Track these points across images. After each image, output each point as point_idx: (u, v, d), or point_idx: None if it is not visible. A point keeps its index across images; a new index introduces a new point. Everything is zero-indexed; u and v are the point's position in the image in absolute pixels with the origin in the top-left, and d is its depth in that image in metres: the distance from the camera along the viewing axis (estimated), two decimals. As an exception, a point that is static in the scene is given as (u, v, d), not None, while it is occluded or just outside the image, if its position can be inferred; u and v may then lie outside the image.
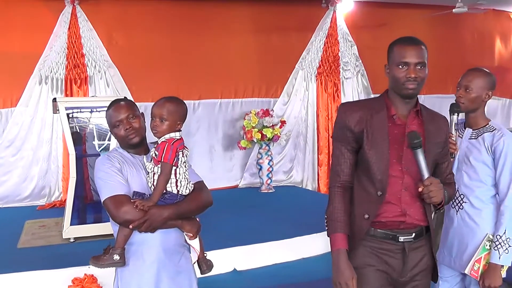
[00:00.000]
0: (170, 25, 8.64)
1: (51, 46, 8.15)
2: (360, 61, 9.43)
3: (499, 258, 3.03)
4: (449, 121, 3.04)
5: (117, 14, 8.44)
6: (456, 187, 3.10)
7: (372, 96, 9.30)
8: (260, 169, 8.67)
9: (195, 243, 2.85)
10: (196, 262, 2.94)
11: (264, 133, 8.30)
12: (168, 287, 2.80)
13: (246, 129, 8.40)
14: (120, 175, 2.69)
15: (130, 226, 2.61)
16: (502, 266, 3.07)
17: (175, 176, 2.71)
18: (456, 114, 3.20)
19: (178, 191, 2.72)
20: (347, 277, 2.35)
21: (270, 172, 8.67)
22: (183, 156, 2.75)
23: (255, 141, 8.43)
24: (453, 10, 8.17)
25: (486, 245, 3.11)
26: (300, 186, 9.47)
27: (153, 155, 2.70)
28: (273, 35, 9.09)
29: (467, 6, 8.10)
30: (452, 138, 3.14)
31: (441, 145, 2.60)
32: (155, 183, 2.65)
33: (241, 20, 9.01)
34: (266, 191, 8.62)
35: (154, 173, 2.69)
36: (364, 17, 9.33)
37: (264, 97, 9.15)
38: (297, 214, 7.20)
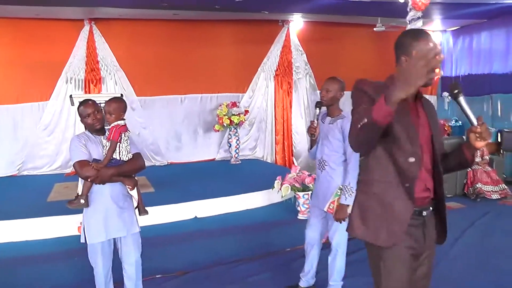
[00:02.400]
0: (166, 39, 9.52)
1: (74, 55, 9.10)
2: (309, 65, 10.22)
3: (346, 199, 3.65)
4: (314, 113, 3.88)
5: (124, 30, 9.32)
6: (320, 155, 3.87)
7: (318, 91, 10.39)
8: (230, 146, 9.71)
9: (134, 193, 3.50)
10: (136, 207, 3.59)
11: (232, 120, 9.32)
12: (114, 220, 3.42)
13: (219, 116, 9.47)
14: (84, 148, 3.33)
15: (89, 180, 3.28)
16: (348, 205, 3.63)
17: (119, 149, 3.37)
18: (319, 108, 3.84)
19: (120, 158, 3.38)
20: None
21: (237, 148, 9.70)
22: (124, 136, 3.40)
23: (226, 125, 9.42)
24: (374, 29, 8.99)
25: (338, 192, 3.74)
26: (262, 159, 10.33)
27: (107, 135, 3.41)
28: (243, 46, 9.88)
29: (384, 26, 9.00)
30: (314, 125, 3.82)
31: (439, 128, 2.45)
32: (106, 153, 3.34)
33: (221, 36, 9.86)
34: (234, 163, 9.65)
35: (106, 147, 3.36)
36: (311, 32, 10.07)
37: (234, 92, 10.03)
38: (250, 178, 8.13)
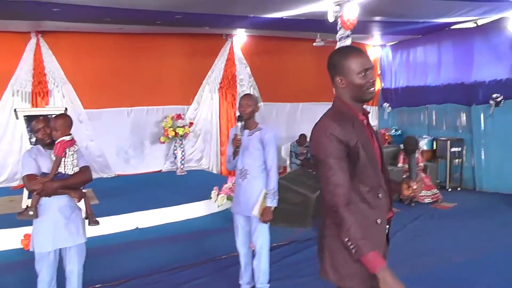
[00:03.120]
0: (113, 53, 9.60)
1: (21, 68, 9.03)
2: (253, 78, 10.47)
3: (271, 202, 4.06)
4: (237, 126, 4.15)
5: (71, 43, 9.33)
6: (242, 165, 4.16)
7: (263, 103, 10.41)
8: (175, 157, 9.88)
9: (81, 205, 3.73)
10: (86, 217, 3.78)
11: (177, 131, 9.50)
12: (61, 231, 3.54)
13: (165, 128, 9.64)
14: (34, 162, 3.50)
15: (35, 193, 3.46)
16: (272, 207, 4.07)
17: (63, 163, 3.51)
18: (240, 121, 4.10)
19: (65, 172, 3.53)
20: (400, 284, 2.02)
21: (183, 159, 9.88)
22: (69, 151, 3.54)
23: (171, 137, 9.59)
24: (314, 44, 9.32)
25: (262, 196, 4.08)
26: (207, 170, 10.50)
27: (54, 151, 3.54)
28: (188, 60, 10.08)
29: (323, 41, 9.32)
30: (238, 137, 4.10)
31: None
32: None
33: (166, 49, 10.01)
34: (180, 174, 9.81)
35: (53, 161, 3.51)
36: (255, 46, 10.38)
37: (180, 105, 10.17)
38: (193, 189, 8.23)
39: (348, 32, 6.63)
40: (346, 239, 2.06)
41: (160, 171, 10.27)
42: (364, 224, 2.12)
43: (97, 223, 3.83)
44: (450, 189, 9.72)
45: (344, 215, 2.07)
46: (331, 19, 6.64)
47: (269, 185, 4.08)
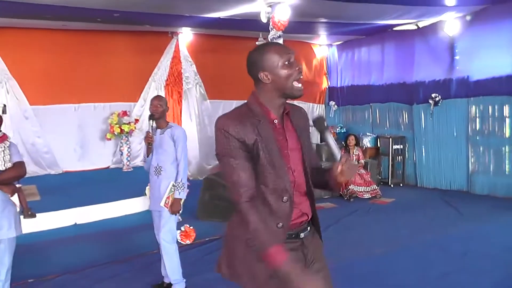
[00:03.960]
0: (58, 49, 9.47)
1: None
2: (198, 75, 10.55)
3: (179, 194, 4.27)
4: (149, 124, 4.39)
5: (15, 39, 9.15)
6: (156, 163, 4.35)
7: (209, 101, 10.71)
8: (122, 154, 9.91)
9: (15, 199, 3.83)
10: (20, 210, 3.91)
11: (123, 128, 9.54)
12: None
13: (111, 125, 9.67)
14: None
15: None
16: (181, 198, 4.29)
17: None
18: (152, 120, 4.33)
19: None
20: (309, 277, 1.99)
21: (129, 156, 9.92)
22: (0, 147, 3.64)
23: (117, 134, 9.63)
24: (256, 42, 9.53)
25: (172, 188, 4.27)
26: None
27: None
28: (134, 57, 10.08)
29: (265, 39, 9.42)
30: (150, 135, 4.33)
31: (309, 136, 2.36)
32: None
33: (113, 46, 9.97)
34: (126, 170, 9.82)
35: None
36: (200, 44, 10.45)
37: (126, 102, 10.16)
38: (135, 185, 7.99)
39: (280, 33, 6.84)
40: (249, 236, 2.05)
41: (107, 167, 10.26)
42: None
43: (33, 216, 4.06)
44: (392, 185, 10.09)
45: (245, 211, 2.04)
46: (264, 19, 6.85)
47: (178, 178, 4.32)
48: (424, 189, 9.77)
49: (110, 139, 9.82)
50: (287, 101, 2.21)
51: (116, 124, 9.56)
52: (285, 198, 2.10)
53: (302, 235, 2.22)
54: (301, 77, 2.15)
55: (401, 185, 10.19)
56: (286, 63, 2.10)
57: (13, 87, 9.32)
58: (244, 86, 9.01)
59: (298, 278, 1.92)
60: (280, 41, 6.79)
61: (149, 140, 4.40)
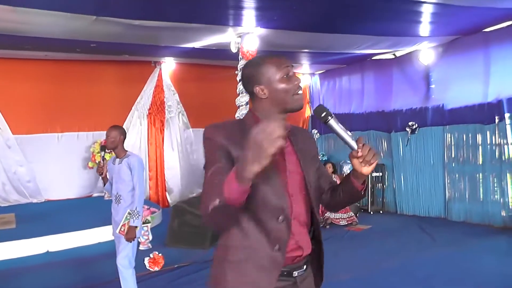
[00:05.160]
0: (41, 78, 9.64)
1: None
2: (181, 104, 10.69)
3: (134, 221, 4.32)
4: (100, 155, 4.63)
5: (1, 69, 9.32)
6: (116, 191, 4.45)
7: (192, 129, 10.77)
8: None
9: None
10: None
11: (105, 157, 9.69)
12: None
13: (93, 153, 9.82)
14: None
15: None
16: (136, 226, 4.32)
17: None
18: (103, 151, 4.60)
19: None
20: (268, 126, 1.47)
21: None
22: None
23: (98, 162, 9.75)
24: (236, 71, 9.58)
25: (127, 216, 4.35)
26: None
27: None
28: (117, 86, 10.24)
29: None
30: (101, 165, 4.55)
31: (316, 159, 2.12)
32: None
33: (95, 75, 10.09)
34: (108, 198, 9.87)
35: None
36: (183, 73, 10.61)
37: None
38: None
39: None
40: (211, 207, 1.65)
41: (90, 195, 10.30)
42: (242, 244, 1.89)
43: None
44: (372, 212, 10.11)
45: (210, 213, 1.67)
46: (233, 49, 7.00)
47: (133, 205, 4.39)
48: (403, 216, 9.81)
49: (92, 167, 9.88)
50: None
51: (98, 152, 9.61)
52: (280, 217, 1.87)
53: (295, 273, 1.95)
54: (301, 92, 1.97)
55: (381, 212, 10.23)
56: (285, 76, 1.93)
57: (-4, 115, 9.40)
58: (227, 114, 9.10)
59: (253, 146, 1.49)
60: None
61: (100, 171, 4.57)
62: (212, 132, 1.89)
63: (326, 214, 8.75)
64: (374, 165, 1.88)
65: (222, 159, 1.81)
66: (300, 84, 1.98)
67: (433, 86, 9.47)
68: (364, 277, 5.72)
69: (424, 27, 7.81)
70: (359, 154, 1.83)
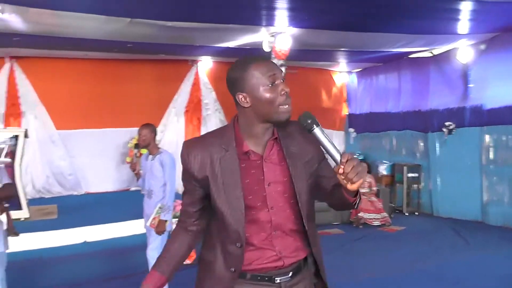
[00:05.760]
0: (85, 76, 9.85)
1: None
2: (218, 102, 10.78)
3: (164, 215, 4.56)
4: (134, 154, 4.88)
5: (43, 68, 9.64)
6: (148, 187, 4.68)
7: None
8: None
9: (3, 218, 4.06)
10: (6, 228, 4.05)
11: (142, 152, 9.83)
12: None
13: (130, 149, 9.95)
14: None
15: None
16: (166, 220, 4.56)
17: None
18: (137, 149, 4.88)
19: None
20: None
21: None
22: None
23: (135, 157, 9.82)
24: None
25: (158, 210, 4.60)
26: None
27: None
28: (156, 84, 10.38)
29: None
30: (133, 163, 4.83)
31: (314, 161, 1.95)
32: None
33: (134, 74, 10.27)
34: (143, 193, 10.14)
35: None
36: (220, 71, 10.51)
37: None
38: None
39: (282, 61, 6.99)
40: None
41: (128, 189, 10.51)
42: (206, 254, 2.00)
43: (16, 234, 4.26)
44: (407, 214, 9.98)
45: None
46: (266, 49, 7.04)
47: (164, 200, 4.60)
48: (439, 218, 9.62)
49: (129, 162, 10.06)
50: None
51: (135, 148, 9.81)
52: (238, 244, 1.85)
53: (277, 279, 1.91)
54: (288, 103, 1.81)
55: (416, 213, 10.07)
56: (270, 85, 1.78)
57: (41, 112, 9.77)
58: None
59: None
60: (282, 69, 6.95)
61: (133, 168, 4.90)
62: (185, 150, 1.92)
63: (359, 214, 8.70)
64: (359, 182, 1.66)
65: (188, 178, 1.91)
66: (288, 93, 1.82)
67: (471, 85, 9.23)
68: (394, 278, 5.69)
69: (462, 25, 7.60)
70: (340, 171, 1.66)
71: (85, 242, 7.23)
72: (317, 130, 1.73)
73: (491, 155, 8.84)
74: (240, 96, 1.84)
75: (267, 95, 1.78)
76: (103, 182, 10.35)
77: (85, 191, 10.28)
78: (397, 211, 9.93)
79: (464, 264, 6.26)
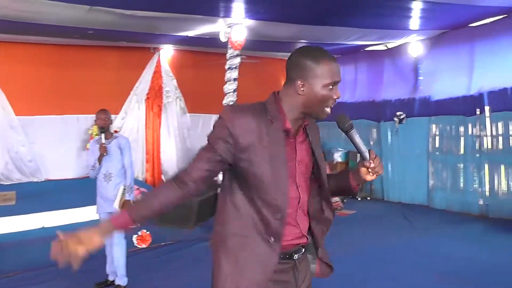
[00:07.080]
0: (45, 62, 9.79)
1: None
2: (179, 90, 10.84)
3: (129, 195, 4.82)
4: (100, 137, 4.92)
5: (4, 53, 9.48)
6: (106, 170, 4.84)
7: (188, 114, 10.99)
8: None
9: None
10: None
11: (93, 136, 9.86)
12: None
13: (91, 135, 9.99)
14: None
15: None
16: (131, 200, 4.75)
17: None
18: (102, 132, 4.89)
19: None
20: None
21: None
22: None
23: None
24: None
25: (123, 191, 4.83)
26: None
27: None
28: (117, 71, 10.39)
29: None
30: (103, 145, 4.81)
31: (321, 150, 2.13)
32: None
33: (96, 60, 10.22)
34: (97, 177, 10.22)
35: None
36: (181, 59, 10.77)
37: None
38: None
39: (237, 52, 7.21)
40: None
41: (87, 176, 10.45)
42: (239, 232, 1.91)
43: None
44: (359, 199, 10.40)
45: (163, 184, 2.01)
46: (222, 39, 7.25)
47: (127, 181, 4.86)
48: (389, 203, 10.09)
49: (89, 149, 10.11)
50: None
51: (96, 134, 9.82)
52: (278, 215, 1.87)
53: (296, 256, 2.00)
54: (332, 106, 1.94)
55: (368, 198, 10.52)
56: (331, 87, 1.87)
57: (0, 98, 9.66)
58: (221, 98, 9.13)
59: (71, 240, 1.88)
60: (238, 59, 7.20)
61: (103, 150, 4.85)
62: (228, 114, 1.86)
63: (311, 199, 9.02)
64: (379, 174, 1.95)
65: (218, 149, 1.83)
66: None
67: (421, 78, 9.70)
68: (340, 258, 5.88)
69: (413, 21, 8.01)
70: (372, 165, 1.91)
71: (43, 228, 7.35)
72: (354, 132, 1.95)
73: (437, 144, 9.34)
74: (299, 83, 1.87)
75: (324, 93, 1.86)
76: (63, 169, 10.33)
77: (45, 178, 10.22)
78: (350, 197, 10.31)
79: (407, 245, 6.64)
